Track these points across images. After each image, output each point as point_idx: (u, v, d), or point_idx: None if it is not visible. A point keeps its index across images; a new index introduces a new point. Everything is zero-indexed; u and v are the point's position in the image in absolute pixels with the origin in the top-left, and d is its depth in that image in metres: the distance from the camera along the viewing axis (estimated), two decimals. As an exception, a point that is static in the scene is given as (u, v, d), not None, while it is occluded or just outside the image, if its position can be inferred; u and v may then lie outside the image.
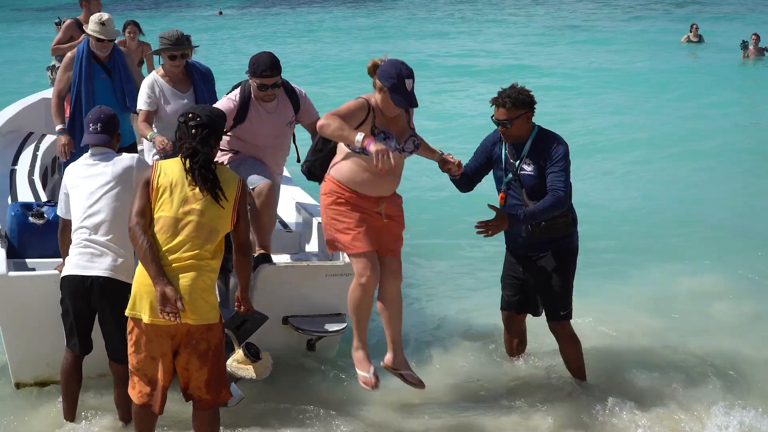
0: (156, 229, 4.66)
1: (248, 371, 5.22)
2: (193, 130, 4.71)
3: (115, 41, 7.61)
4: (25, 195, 7.58)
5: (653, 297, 7.80)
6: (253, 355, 5.24)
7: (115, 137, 5.49)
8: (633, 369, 6.25)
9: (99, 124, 5.43)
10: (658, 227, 10.00)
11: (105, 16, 7.44)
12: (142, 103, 6.79)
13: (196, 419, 4.86)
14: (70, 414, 5.48)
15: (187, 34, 7.02)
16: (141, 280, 4.64)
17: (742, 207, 10.69)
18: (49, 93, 10.95)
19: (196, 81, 6.99)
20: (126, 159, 5.36)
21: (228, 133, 6.13)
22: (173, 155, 5.26)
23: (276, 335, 6.01)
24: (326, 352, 6.50)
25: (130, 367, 4.79)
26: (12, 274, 5.67)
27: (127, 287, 4.83)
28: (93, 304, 5.18)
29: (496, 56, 25.57)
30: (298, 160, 6.39)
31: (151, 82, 6.85)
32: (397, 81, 5.17)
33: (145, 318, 4.59)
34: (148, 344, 4.67)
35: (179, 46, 6.86)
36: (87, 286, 5.11)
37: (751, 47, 22.06)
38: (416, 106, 5.31)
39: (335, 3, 49.14)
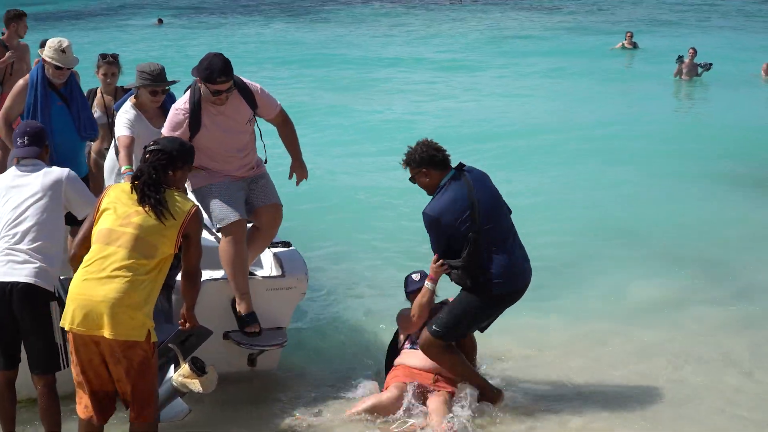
0: (93, 240, 4.72)
1: (195, 385, 5.18)
2: (147, 155, 4.86)
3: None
4: None
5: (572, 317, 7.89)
6: (199, 369, 5.20)
7: (45, 149, 5.47)
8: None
9: (26, 138, 5.42)
10: (576, 241, 10.03)
11: (65, 42, 7.09)
12: (123, 128, 6.47)
13: None
14: None
15: (161, 66, 6.75)
16: (71, 289, 4.67)
17: (665, 222, 10.85)
18: None
19: None
20: (56, 172, 5.31)
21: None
22: None
23: (217, 350, 5.96)
24: (267, 366, 6.49)
25: (74, 380, 4.80)
26: None
27: (49, 295, 4.93)
28: (15, 313, 5.08)
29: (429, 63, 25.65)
30: (266, 161, 6.36)
31: (129, 113, 6.58)
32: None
33: (66, 326, 4.65)
34: (76, 354, 4.70)
35: (161, 82, 6.66)
36: (7, 292, 5.03)
37: (686, 61, 22.15)
38: None
39: (279, 15, 48.89)
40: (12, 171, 5.41)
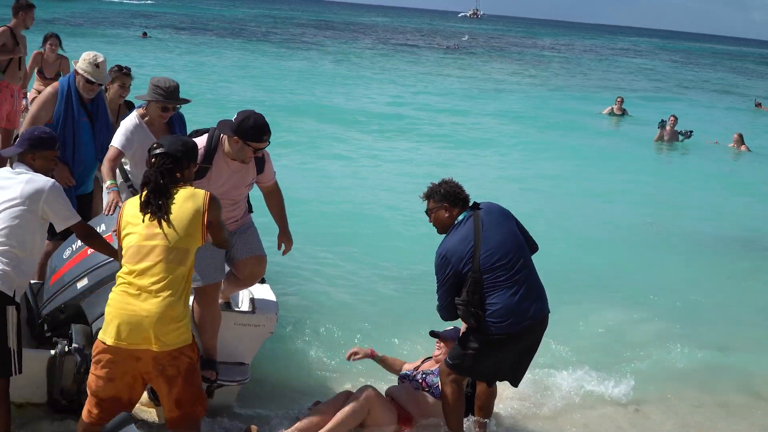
0: (123, 261, 4.69)
1: (151, 414, 5.07)
2: (153, 159, 4.80)
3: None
4: None
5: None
6: (156, 398, 5.03)
7: (32, 155, 5.27)
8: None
9: (19, 139, 5.40)
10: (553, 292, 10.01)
11: (100, 57, 6.86)
12: (118, 141, 6.29)
13: None
14: None
15: (176, 83, 6.52)
16: (112, 304, 4.63)
17: (633, 275, 11.04)
18: None
19: (176, 131, 6.63)
20: (39, 181, 5.18)
21: None
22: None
23: None
24: (225, 400, 6.20)
25: (87, 387, 4.73)
26: None
27: (6, 299, 4.92)
28: None
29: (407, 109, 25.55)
30: (251, 210, 6.14)
31: (134, 124, 6.40)
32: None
33: (109, 340, 4.57)
34: (113, 366, 4.61)
35: (174, 99, 6.46)
36: None
37: (668, 128, 22.57)
38: None
39: (263, 34, 49.15)
40: (4, 171, 5.32)
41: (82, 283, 5.55)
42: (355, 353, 6.59)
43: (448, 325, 6.40)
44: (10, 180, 5.18)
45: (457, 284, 5.62)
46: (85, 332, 5.56)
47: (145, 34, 46.67)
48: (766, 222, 15.00)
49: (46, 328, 5.76)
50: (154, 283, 4.59)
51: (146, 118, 6.49)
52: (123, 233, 4.77)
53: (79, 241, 5.65)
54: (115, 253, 5.33)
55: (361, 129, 21.71)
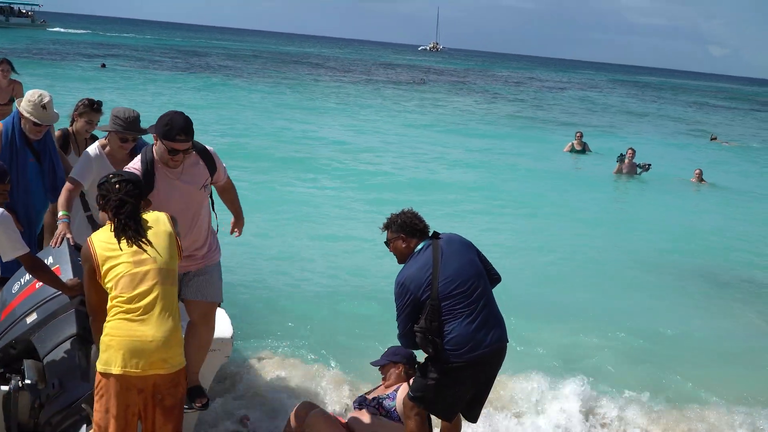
0: (117, 291, 4.62)
1: None
2: (117, 185, 4.78)
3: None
4: None
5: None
6: None
7: None
8: None
9: None
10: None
11: (46, 97, 6.48)
12: (76, 173, 6.13)
13: None
14: None
15: (137, 113, 6.36)
16: (114, 333, 4.59)
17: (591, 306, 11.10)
18: None
19: None
20: None
21: None
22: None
23: None
24: (185, 426, 5.97)
25: (93, 423, 4.72)
26: None
27: None
28: None
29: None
30: (217, 229, 5.98)
31: (95, 155, 6.25)
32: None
33: (116, 369, 4.55)
34: (116, 397, 4.59)
35: (133, 131, 6.29)
36: None
37: (626, 161, 22.76)
38: None
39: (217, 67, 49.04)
40: None
41: (31, 318, 5.40)
42: None
43: None
44: None
45: (416, 312, 5.57)
46: (37, 367, 5.41)
47: (103, 65, 46.54)
48: (724, 254, 15.17)
49: None
50: (155, 306, 4.60)
51: (107, 149, 6.36)
52: (105, 267, 4.66)
53: (27, 275, 5.51)
54: (64, 287, 5.26)
55: (327, 157, 21.75)
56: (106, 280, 4.67)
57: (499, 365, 5.77)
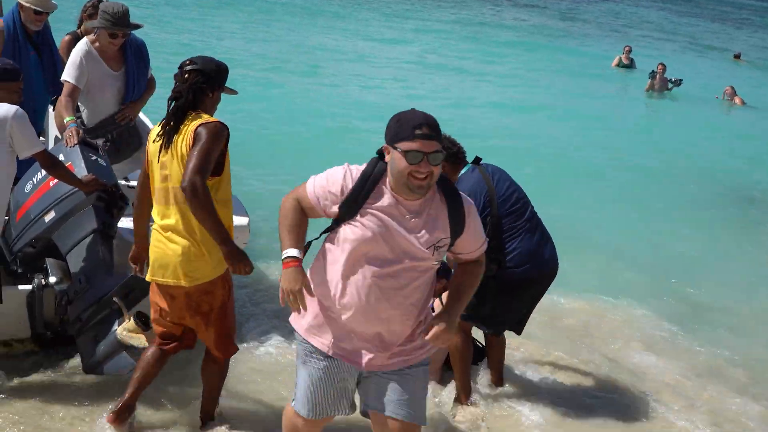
0: (152, 200, 4.70)
1: (140, 340, 4.99)
2: (186, 75, 4.62)
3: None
4: None
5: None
6: (144, 324, 4.99)
7: (2, 86, 5.15)
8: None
9: None
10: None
11: None
12: (69, 75, 6.06)
13: (205, 369, 5.01)
14: None
15: (126, 8, 6.21)
16: (151, 240, 4.72)
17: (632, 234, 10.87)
18: None
19: (129, 59, 6.35)
20: (3, 108, 5.03)
21: None
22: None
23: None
24: None
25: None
26: None
27: None
28: None
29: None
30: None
31: (85, 53, 6.13)
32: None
33: (149, 276, 4.73)
34: (151, 301, 4.84)
35: (123, 26, 6.15)
36: None
37: (657, 77, 22.25)
38: None
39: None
40: None
41: (49, 216, 5.43)
42: None
43: None
44: None
45: None
46: (60, 265, 5.50)
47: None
48: (758, 173, 14.84)
49: (18, 264, 5.66)
50: (174, 226, 4.56)
51: (96, 44, 6.25)
52: (150, 162, 4.67)
53: (39, 174, 5.54)
54: (80, 183, 5.27)
55: (335, 68, 21.16)
56: (151, 176, 4.69)
57: (550, 283, 5.79)
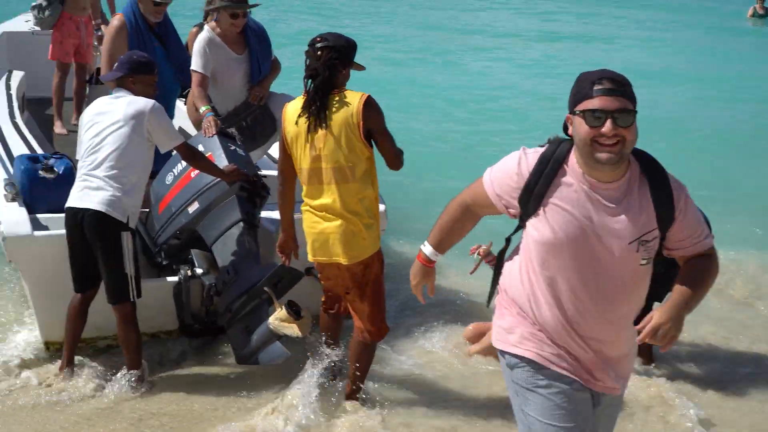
0: (301, 180, 4.74)
1: (293, 330, 4.98)
2: (319, 52, 4.58)
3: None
4: (13, 139, 7.04)
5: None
6: (295, 313, 4.97)
7: (131, 78, 5.22)
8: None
9: (117, 64, 5.35)
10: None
11: None
12: (197, 64, 6.03)
13: (354, 349, 5.01)
14: (65, 361, 5.33)
15: None
16: (304, 222, 4.80)
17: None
18: (11, 26, 10.20)
19: (252, 42, 6.26)
20: (140, 102, 5.11)
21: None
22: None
23: (299, 288, 5.47)
24: None
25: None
26: (37, 233, 5.42)
27: (120, 225, 4.96)
28: (89, 239, 5.07)
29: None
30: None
31: (207, 40, 6.09)
32: None
33: (310, 256, 4.84)
34: (321, 270, 4.99)
35: (243, 3, 6.08)
36: (79, 219, 5.03)
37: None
38: None
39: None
40: (104, 98, 5.28)
41: (193, 207, 5.43)
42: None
43: None
44: (111, 105, 5.14)
45: None
46: (206, 256, 5.52)
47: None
48: None
49: (163, 256, 5.71)
50: (330, 205, 4.62)
51: (217, 30, 6.18)
52: (290, 142, 4.69)
53: (179, 166, 5.55)
54: (222, 173, 5.26)
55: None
56: (294, 157, 4.70)
57: None
